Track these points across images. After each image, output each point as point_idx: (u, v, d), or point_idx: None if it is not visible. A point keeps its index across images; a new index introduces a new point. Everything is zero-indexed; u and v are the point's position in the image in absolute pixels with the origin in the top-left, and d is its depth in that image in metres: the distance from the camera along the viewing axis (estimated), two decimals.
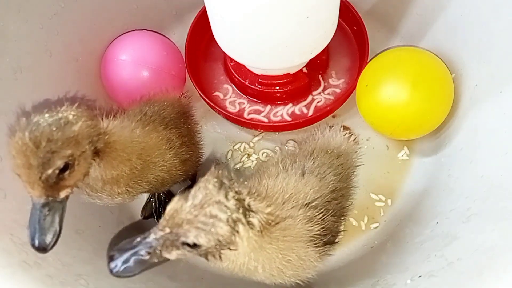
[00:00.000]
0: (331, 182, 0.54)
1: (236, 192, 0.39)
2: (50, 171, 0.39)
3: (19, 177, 0.40)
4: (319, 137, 0.65)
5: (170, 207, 0.39)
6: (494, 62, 0.60)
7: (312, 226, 0.48)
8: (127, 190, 0.51)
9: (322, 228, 0.49)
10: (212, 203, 0.37)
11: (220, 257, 0.40)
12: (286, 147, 0.73)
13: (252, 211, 0.39)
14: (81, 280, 0.51)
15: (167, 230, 0.38)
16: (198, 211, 0.37)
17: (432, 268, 0.52)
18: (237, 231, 0.38)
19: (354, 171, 0.62)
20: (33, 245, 0.41)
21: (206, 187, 0.38)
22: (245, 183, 0.52)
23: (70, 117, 0.42)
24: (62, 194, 0.42)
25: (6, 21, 0.57)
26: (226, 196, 0.38)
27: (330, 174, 0.55)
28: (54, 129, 0.40)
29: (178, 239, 0.38)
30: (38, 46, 0.62)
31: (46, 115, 0.41)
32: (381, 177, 0.72)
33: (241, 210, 0.38)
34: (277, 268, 0.45)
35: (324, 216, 0.50)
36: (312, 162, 0.56)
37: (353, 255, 0.68)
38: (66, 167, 0.40)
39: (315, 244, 0.48)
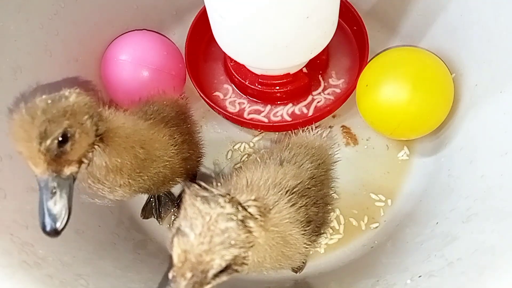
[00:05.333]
0: (308, 169, 0.55)
1: (222, 195, 0.38)
2: (49, 141, 0.39)
3: (21, 154, 0.40)
4: (293, 137, 0.66)
5: (176, 253, 0.36)
6: (494, 62, 0.60)
7: (296, 211, 0.48)
8: (129, 182, 0.50)
9: (305, 215, 0.49)
10: (216, 220, 0.36)
11: (245, 262, 0.39)
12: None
13: (242, 205, 0.39)
14: (81, 280, 0.51)
15: (189, 274, 0.35)
16: (209, 236, 0.35)
17: (432, 268, 0.52)
18: (250, 227, 0.37)
19: (332, 164, 0.63)
20: (43, 230, 0.40)
21: (197, 210, 0.36)
22: (225, 182, 0.51)
23: (66, 93, 0.42)
24: (67, 171, 0.41)
25: (6, 21, 0.57)
26: (220, 205, 0.37)
27: (306, 162, 0.56)
28: (49, 101, 0.41)
29: (206, 275, 0.36)
30: (38, 46, 0.62)
31: (44, 96, 0.41)
32: (381, 177, 0.72)
33: (240, 208, 0.38)
34: (282, 253, 0.45)
35: (306, 203, 0.50)
36: (288, 152, 0.57)
37: (353, 255, 0.68)
38: (65, 139, 0.40)
39: (303, 230, 0.49)
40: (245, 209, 0.38)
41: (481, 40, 0.63)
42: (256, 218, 0.39)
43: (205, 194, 0.38)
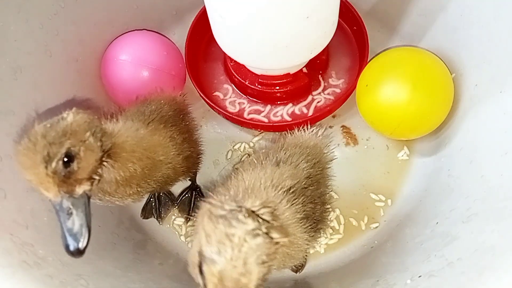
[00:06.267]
0: (305, 169, 0.55)
1: (238, 210, 0.37)
2: (54, 164, 0.39)
3: (31, 182, 0.40)
4: (288, 136, 0.66)
5: (211, 282, 0.35)
6: (494, 62, 0.60)
7: (296, 211, 0.48)
8: (138, 190, 0.51)
9: (303, 211, 0.49)
10: (243, 239, 0.35)
11: (273, 268, 0.38)
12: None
13: (256, 213, 0.38)
14: (81, 280, 0.51)
15: None
16: (242, 258, 0.34)
17: (432, 268, 0.52)
18: (275, 238, 0.37)
19: (328, 163, 0.62)
20: (67, 251, 0.40)
21: (222, 234, 0.35)
22: (225, 187, 0.51)
23: (64, 115, 0.43)
24: (79, 190, 0.42)
25: (6, 21, 0.57)
26: (242, 222, 0.36)
27: (302, 161, 0.56)
28: (48, 126, 0.41)
29: None
30: (38, 46, 0.62)
31: (45, 122, 0.42)
32: (381, 177, 0.72)
33: (260, 220, 0.37)
34: (287, 254, 0.45)
35: (303, 202, 0.50)
36: (284, 153, 0.57)
37: (353, 255, 0.68)
38: (70, 158, 0.40)
39: (302, 228, 0.49)
40: (262, 218, 0.37)
41: (481, 40, 0.63)
42: (274, 225, 0.38)
43: (221, 212, 0.37)
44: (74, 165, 0.40)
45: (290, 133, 0.66)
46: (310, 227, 0.51)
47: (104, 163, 0.44)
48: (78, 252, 0.40)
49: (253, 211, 0.38)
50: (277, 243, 0.37)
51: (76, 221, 0.41)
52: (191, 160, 0.63)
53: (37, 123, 0.42)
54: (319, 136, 0.65)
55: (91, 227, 0.42)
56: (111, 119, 0.52)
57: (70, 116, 0.42)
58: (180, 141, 0.58)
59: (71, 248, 0.40)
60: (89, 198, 0.43)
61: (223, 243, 0.35)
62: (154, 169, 0.53)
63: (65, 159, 0.40)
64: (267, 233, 0.36)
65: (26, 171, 0.40)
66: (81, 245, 0.40)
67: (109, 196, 0.49)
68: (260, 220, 0.37)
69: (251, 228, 0.36)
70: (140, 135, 0.52)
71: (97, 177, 0.43)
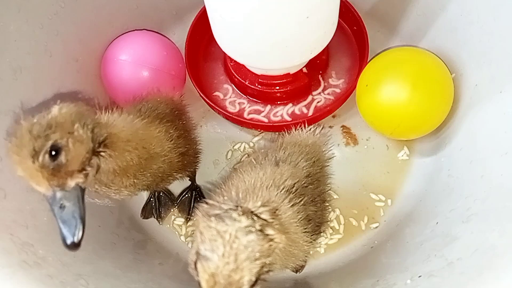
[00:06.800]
0: (304, 168, 0.55)
1: (233, 209, 0.37)
2: (41, 157, 0.39)
3: (23, 178, 0.40)
4: (286, 136, 0.66)
5: (203, 279, 0.35)
6: (494, 62, 0.60)
7: (297, 211, 0.48)
8: (134, 181, 0.51)
9: (305, 214, 0.49)
10: (235, 236, 0.35)
11: (272, 268, 0.38)
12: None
13: (255, 213, 0.38)
14: (81, 280, 0.51)
15: None
16: (233, 255, 0.35)
17: (432, 268, 0.52)
18: (270, 235, 0.37)
19: (326, 161, 0.62)
20: (64, 244, 0.40)
21: (214, 231, 0.36)
22: (225, 189, 0.51)
23: (51, 109, 0.43)
24: (71, 182, 0.41)
25: (6, 21, 0.57)
26: (235, 220, 0.36)
27: (302, 160, 0.56)
28: (34, 121, 0.41)
29: None
30: (38, 46, 0.62)
31: (32, 118, 0.42)
32: (381, 177, 0.72)
33: (254, 218, 0.37)
34: (290, 253, 0.45)
35: (305, 202, 0.50)
36: (283, 152, 0.57)
37: (353, 255, 0.68)
38: (57, 151, 0.40)
39: (304, 228, 0.49)
40: (259, 217, 0.38)
41: (481, 40, 0.63)
42: (272, 223, 0.38)
43: (217, 211, 0.37)
44: (62, 158, 0.40)
45: (288, 132, 0.66)
46: (313, 230, 0.51)
47: (102, 153, 0.44)
48: (74, 245, 0.40)
49: (252, 211, 0.38)
50: (271, 240, 0.37)
51: (69, 214, 0.41)
52: (187, 158, 0.63)
53: (23, 119, 0.42)
54: (317, 134, 0.65)
55: (86, 221, 0.42)
56: (106, 110, 0.51)
57: (55, 110, 0.42)
58: (175, 136, 0.58)
59: (68, 241, 0.40)
60: (83, 190, 0.42)
61: (215, 240, 0.35)
62: (151, 160, 0.53)
63: (52, 152, 0.40)
64: (261, 230, 0.36)
65: (17, 167, 0.40)
66: (76, 238, 0.40)
67: (106, 187, 0.49)
68: (255, 218, 0.37)
69: (244, 226, 0.36)
70: (135, 126, 0.52)
71: (90, 169, 0.43)
